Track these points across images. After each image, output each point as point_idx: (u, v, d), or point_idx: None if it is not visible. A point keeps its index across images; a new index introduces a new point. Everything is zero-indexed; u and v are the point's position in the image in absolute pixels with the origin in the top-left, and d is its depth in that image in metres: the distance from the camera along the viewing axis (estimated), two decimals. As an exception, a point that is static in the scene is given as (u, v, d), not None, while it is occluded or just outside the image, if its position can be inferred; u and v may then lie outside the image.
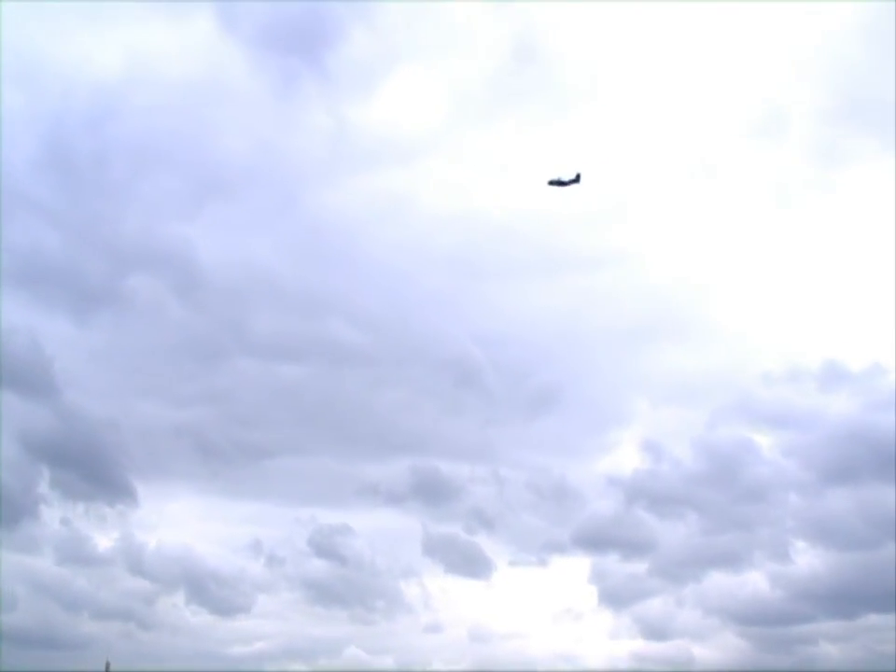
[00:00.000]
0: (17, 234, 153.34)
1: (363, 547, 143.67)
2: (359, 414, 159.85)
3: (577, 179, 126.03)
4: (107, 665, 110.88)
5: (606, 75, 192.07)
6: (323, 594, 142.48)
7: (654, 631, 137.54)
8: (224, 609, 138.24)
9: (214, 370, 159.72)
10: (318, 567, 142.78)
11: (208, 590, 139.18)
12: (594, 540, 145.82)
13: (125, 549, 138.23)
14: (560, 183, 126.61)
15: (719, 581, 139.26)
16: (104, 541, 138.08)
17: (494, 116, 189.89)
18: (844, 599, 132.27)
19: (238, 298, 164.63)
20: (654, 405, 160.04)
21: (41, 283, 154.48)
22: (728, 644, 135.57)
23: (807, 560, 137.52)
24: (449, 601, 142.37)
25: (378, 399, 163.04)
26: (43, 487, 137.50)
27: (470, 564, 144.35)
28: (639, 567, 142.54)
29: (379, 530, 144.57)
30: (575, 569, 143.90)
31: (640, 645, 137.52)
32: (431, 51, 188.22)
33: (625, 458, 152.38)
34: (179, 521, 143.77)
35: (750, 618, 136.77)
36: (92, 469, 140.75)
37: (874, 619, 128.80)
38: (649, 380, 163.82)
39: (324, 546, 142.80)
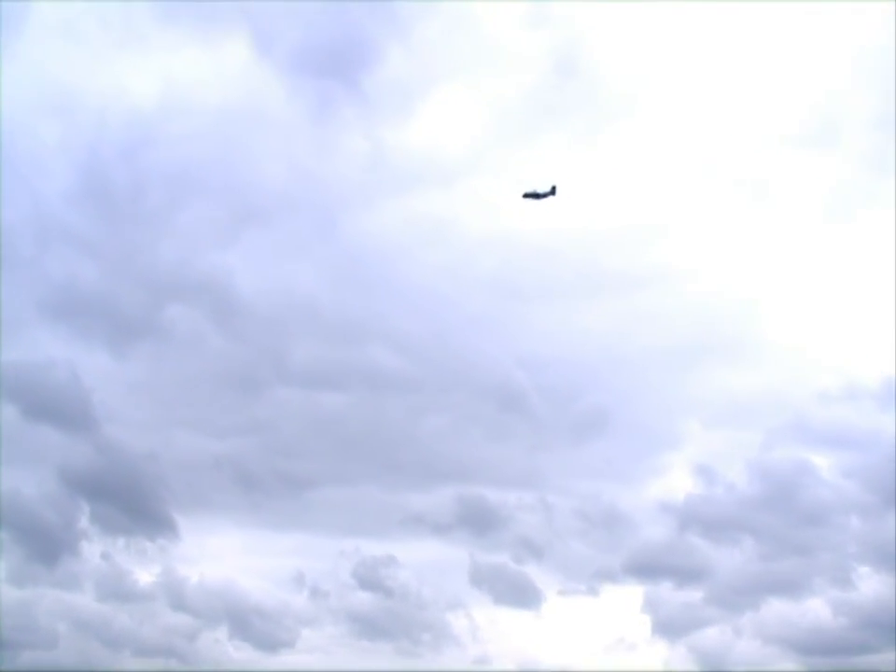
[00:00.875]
0: (54, 266, 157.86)
1: (409, 578, 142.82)
2: (402, 442, 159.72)
3: (552, 192, 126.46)
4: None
5: (649, 86, 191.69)
6: (368, 627, 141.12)
7: (711, 661, 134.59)
8: (267, 643, 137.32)
9: (254, 399, 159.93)
10: (363, 599, 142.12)
11: (251, 624, 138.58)
12: (646, 568, 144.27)
13: (166, 584, 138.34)
14: (535, 196, 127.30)
15: (778, 609, 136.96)
16: (144, 576, 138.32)
17: (535, 133, 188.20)
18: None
19: (277, 326, 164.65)
20: (706, 427, 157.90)
21: (79, 315, 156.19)
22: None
23: (871, 586, 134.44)
24: (497, 633, 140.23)
25: (421, 426, 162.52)
26: (83, 522, 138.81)
27: (519, 594, 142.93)
28: (694, 594, 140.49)
29: (425, 561, 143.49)
30: (627, 598, 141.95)
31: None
32: (469, 69, 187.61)
33: (677, 482, 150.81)
34: (221, 554, 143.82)
35: (812, 647, 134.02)
36: (132, 503, 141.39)
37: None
38: (699, 401, 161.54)
39: (369, 578, 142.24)
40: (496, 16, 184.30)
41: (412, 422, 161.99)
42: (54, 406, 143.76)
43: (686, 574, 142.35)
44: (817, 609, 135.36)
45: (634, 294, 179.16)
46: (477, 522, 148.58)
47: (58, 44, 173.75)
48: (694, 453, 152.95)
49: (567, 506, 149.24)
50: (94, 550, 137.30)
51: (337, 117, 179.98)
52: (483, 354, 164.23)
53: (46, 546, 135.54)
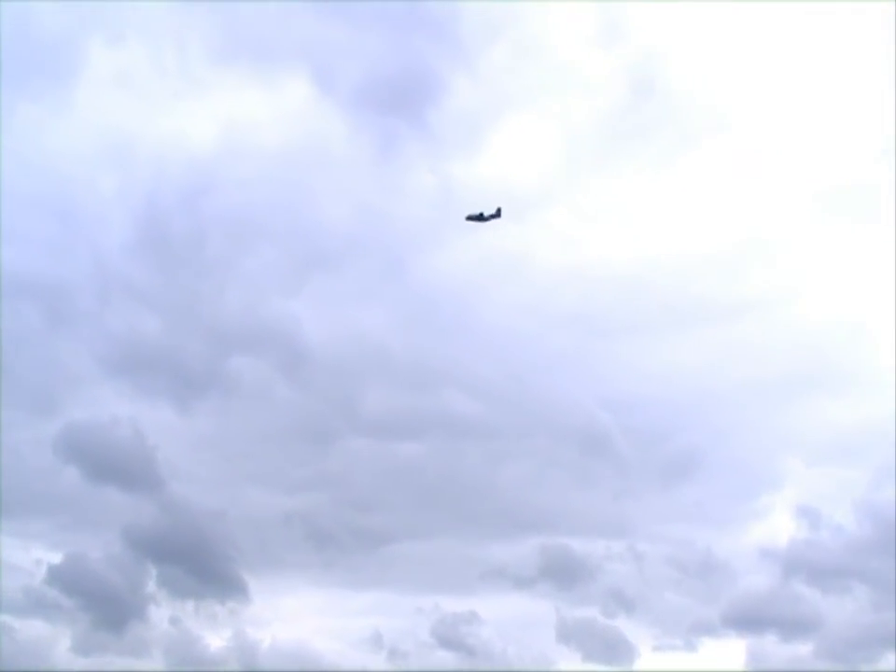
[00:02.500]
0: (115, 320, 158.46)
1: (492, 636, 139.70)
2: (482, 491, 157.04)
3: (497, 214, 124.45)
4: None
5: (736, 100, 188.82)
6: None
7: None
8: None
9: (325, 452, 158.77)
10: (444, 659, 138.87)
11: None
12: (748, 620, 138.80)
13: (238, 648, 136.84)
14: (480, 218, 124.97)
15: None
16: (215, 641, 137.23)
17: (612, 158, 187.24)
18: None
19: (347, 374, 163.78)
20: (809, 465, 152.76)
21: (141, 369, 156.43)
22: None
23: None
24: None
25: (501, 474, 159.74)
26: (150, 586, 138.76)
27: (610, 650, 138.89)
28: (802, 648, 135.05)
29: (508, 617, 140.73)
30: (728, 653, 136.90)
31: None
32: (539, 95, 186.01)
33: (779, 526, 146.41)
34: (294, 615, 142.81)
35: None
36: (201, 564, 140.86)
37: None
38: (802, 437, 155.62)
39: (449, 636, 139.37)
40: (565, 37, 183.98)
41: (491, 470, 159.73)
42: (118, 466, 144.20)
43: (792, 626, 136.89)
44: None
45: (727, 323, 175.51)
46: (563, 573, 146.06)
47: (114, 93, 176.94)
48: (797, 493, 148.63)
49: (659, 554, 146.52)
50: (163, 615, 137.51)
51: (402, 153, 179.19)
52: (565, 395, 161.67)
53: (112, 612, 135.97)
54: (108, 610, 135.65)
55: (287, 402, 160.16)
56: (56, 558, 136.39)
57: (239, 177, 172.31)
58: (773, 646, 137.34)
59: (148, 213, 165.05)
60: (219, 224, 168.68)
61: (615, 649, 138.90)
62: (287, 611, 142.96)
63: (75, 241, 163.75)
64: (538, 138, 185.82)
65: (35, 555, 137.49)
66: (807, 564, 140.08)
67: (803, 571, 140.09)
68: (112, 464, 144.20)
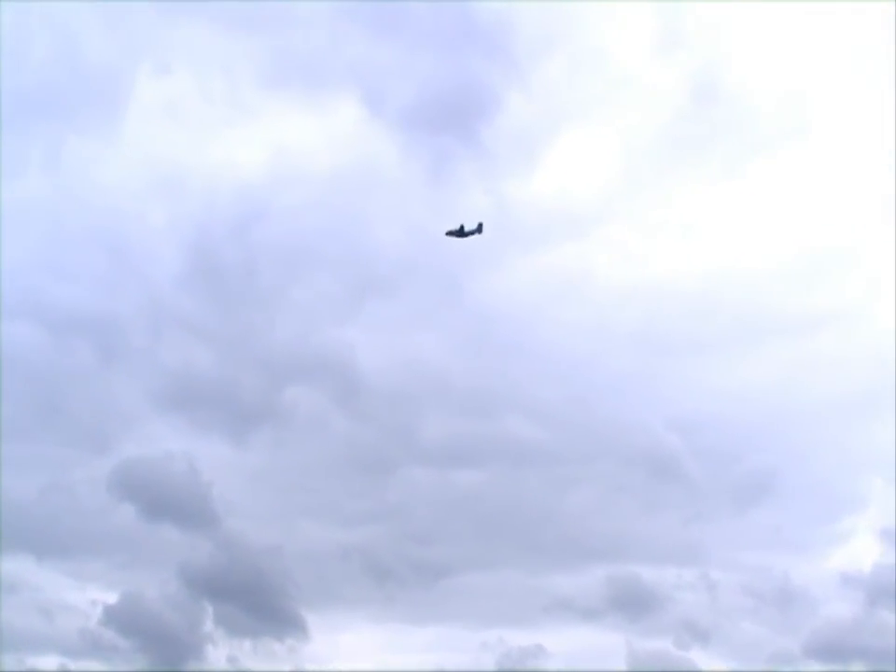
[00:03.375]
0: (167, 354, 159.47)
1: (559, 669, 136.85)
2: (545, 520, 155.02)
3: (479, 229, 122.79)
4: None
5: (807, 106, 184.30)
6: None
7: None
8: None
9: (383, 483, 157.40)
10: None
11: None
12: (831, 650, 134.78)
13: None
14: (461, 234, 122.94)
15: None
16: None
17: (674, 169, 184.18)
18: None
19: (404, 401, 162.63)
20: (893, 484, 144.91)
21: (195, 403, 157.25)
22: None
23: None
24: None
25: (565, 501, 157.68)
26: (207, 625, 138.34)
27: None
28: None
29: (576, 649, 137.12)
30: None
31: None
32: (596, 108, 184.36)
33: (862, 550, 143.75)
34: (354, 652, 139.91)
35: None
36: (258, 602, 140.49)
37: None
38: (884, 455, 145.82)
39: (514, 671, 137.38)
40: (622, 45, 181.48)
41: (555, 497, 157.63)
42: (173, 502, 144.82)
43: (878, 656, 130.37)
44: None
45: (802, 337, 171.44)
46: (632, 604, 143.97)
47: (162, 123, 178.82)
48: (881, 515, 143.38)
49: (734, 582, 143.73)
50: (220, 654, 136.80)
51: (455, 173, 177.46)
52: (630, 417, 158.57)
53: (169, 652, 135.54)
54: (165, 650, 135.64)
55: (342, 433, 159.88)
56: (112, 598, 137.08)
57: (290, 204, 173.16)
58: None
59: (199, 244, 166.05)
60: (271, 252, 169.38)
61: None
62: (346, 648, 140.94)
63: (126, 275, 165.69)
64: (595, 152, 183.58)
65: (90, 596, 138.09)
66: (893, 590, 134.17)
67: (889, 598, 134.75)
68: (167, 500, 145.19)
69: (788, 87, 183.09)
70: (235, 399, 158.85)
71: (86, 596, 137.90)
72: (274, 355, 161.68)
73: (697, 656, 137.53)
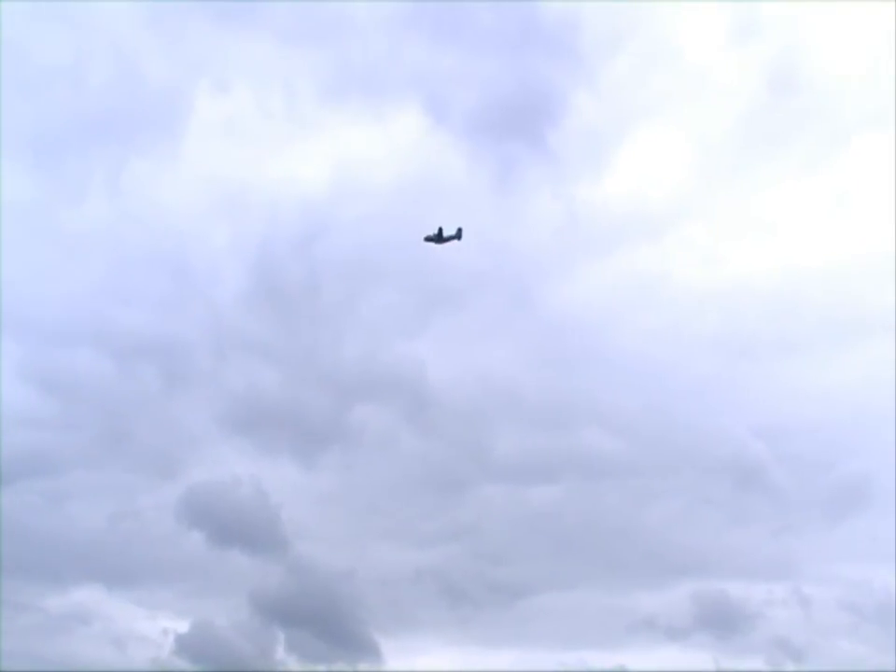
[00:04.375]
0: (233, 376, 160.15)
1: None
2: (626, 535, 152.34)
3: (458, 235, 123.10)
4: None
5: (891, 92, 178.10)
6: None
7: None
8: None
9: (456, 501, 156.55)
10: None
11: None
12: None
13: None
14: (439, 239, 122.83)
15: None
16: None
17: (752, 164, 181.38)
18: None
19: (476, 416, 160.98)
20: None
21: (262, 426, 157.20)
22: None
23: None
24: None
25: (646, 515, 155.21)
26: (279, 652, 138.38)
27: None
28: None
29: (661, 671, 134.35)
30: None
31: None
32: (668, 104, 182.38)
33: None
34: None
35: None
36: (330, 627, 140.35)
37: None
38: None
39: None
40: (694, 36, 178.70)
41: (635, 511, 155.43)
42: (242, 528, 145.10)
43: None
44: None
45: (893, 335, 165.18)
46: (720, 622, 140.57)
47: (222, 141, 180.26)
48: None
49: (829, 597, 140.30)
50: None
51: (522, 179, 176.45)
52: (713, 424, 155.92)
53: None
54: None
55: (413, 451, 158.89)
56: (183, 627, 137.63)
57: (353, 218, 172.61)
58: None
59: (261, 262, 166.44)
60: (335, 268, 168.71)
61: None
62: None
63: (188, 297, 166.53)
64: (668, 150, 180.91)
65: (161, 625, 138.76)
66: None
67: None
68: (236, 526, 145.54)
69: (870, 72, 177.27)
70: (302, 420, 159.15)
71: (157, 626, 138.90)
72: (341, 373, 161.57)
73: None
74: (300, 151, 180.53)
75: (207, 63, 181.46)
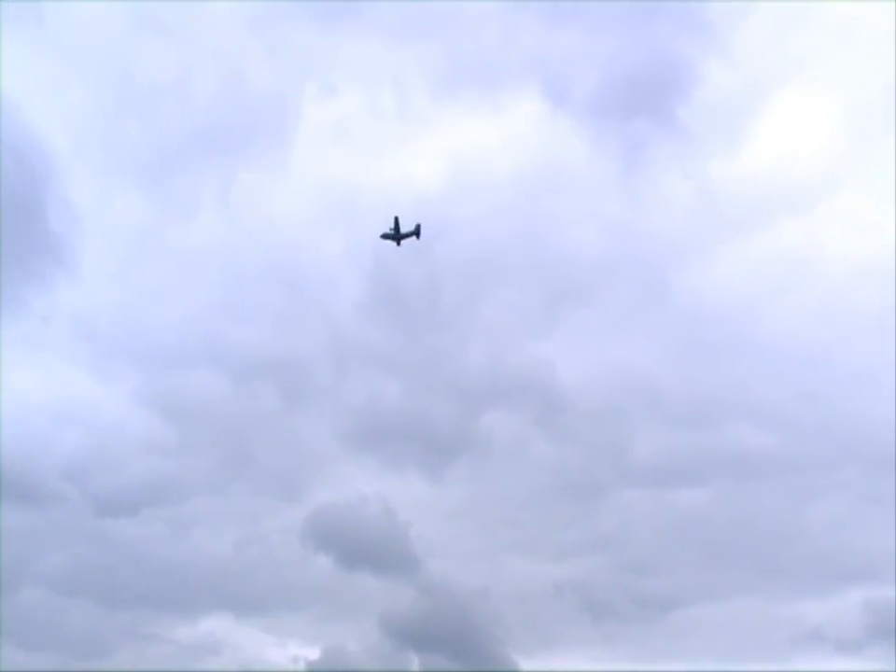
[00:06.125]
0: (354, 390, 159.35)
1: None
2: (785, 539, 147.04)
3: (416, 232, 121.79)
4: None
5: None
6: None
7: None
8: None
9: (594, 509, 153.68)
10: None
11: None
12: None
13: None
14: (396, 236, 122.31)
15: None
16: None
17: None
18: None
19: (613, 417, 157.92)
20: None
21: (386, 440, 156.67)
22: None
23: None
24: None
25: (807, 516, 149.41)
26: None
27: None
28: None
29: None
30: None
31: None
32: (811, 64, 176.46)
33: None
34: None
35: None
36: (465, 648, 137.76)
37: None
38: None
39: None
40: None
41: (794, 512, 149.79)
42: (370, 548, 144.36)
43: None
44: None
45: None
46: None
47: (332, 146, 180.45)
48: None
49: None
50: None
51: (651, 160, 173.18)
52: (879, 413, 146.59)
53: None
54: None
55: (546, 458, 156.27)
56: (314, 653, 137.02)
57: (471, 215, 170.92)
58: None
59: (377, 268, 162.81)
60: (454, 269, 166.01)
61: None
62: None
63: (304, 310, 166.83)
64: (813, 114, 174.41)
65: (292, 652, 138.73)
66: None
67: None
68: (363, 547, 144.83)
69: None
70: (428, 432, 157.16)
71: (287, 653, 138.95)
72: (467, 379, 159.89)
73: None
74: (413, 150, 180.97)
75: (313, 66, 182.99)
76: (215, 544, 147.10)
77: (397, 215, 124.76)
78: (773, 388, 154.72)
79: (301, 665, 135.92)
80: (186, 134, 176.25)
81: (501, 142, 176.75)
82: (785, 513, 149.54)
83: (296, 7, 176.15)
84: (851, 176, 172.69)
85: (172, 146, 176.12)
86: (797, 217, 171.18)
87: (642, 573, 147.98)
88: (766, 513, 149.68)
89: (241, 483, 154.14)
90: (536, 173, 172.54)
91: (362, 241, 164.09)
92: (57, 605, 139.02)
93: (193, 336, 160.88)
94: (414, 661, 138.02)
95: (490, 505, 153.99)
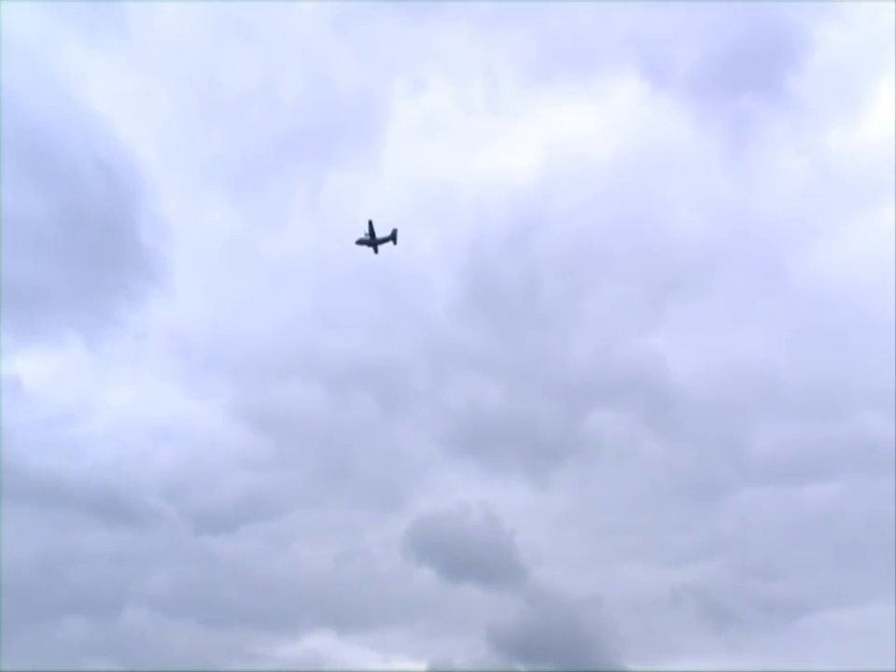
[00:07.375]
0: (452, 394, 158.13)
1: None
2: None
3: (392, 237, 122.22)
4: None
5: None
6: None
7: None
8: None
9: (713, 509, 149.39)
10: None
11: None
12: None
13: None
14: (372, 241, 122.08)
15: None
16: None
17: None
18: None
19: (728, 411, 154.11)
20: None
21: (487, 445, 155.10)
22: None
23: None
24: None
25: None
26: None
27: None
28: None
29: None
30: None
31: None
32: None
33: None
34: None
35: None
36: (577, 660, 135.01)
37: None
38: None
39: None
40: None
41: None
42: (474, 558, 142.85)
43: None
44: None
45: None
46: None
47: (422, 142, 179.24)
48: None
49: None
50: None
51: (761, 136, 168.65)
52: None
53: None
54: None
55: (658, 457, 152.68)
56: (420, 669, 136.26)
57: (570, 205, 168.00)
58: None
59: (473, 265, 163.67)
60: (553, 263, 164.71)
61: None
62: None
63: (399, 313, 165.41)
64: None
65: (397, 668, 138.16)
66: None
67: None
68: (467, 557, 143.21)
69: None
70: (531, 435, 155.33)
71: (392, 669, 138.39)
72: (571, 378, 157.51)
73: None
74: (506, 141, 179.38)
75: (400, 62, 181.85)
76: (315, 559, 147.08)
77: (371, 219, 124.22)
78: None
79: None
80: (273, 140, 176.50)
81: (599, 127, 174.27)
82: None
83: (379, 3, 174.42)
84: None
85: (260, 152, 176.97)
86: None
87: (767, 577, 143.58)
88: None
89: (340, 495, 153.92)
90: (637, 158, 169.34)
91: (456, 239, 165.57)
92: (160, 625, 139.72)
93: (287, 346, 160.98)
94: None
95: (600, 509, 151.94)
